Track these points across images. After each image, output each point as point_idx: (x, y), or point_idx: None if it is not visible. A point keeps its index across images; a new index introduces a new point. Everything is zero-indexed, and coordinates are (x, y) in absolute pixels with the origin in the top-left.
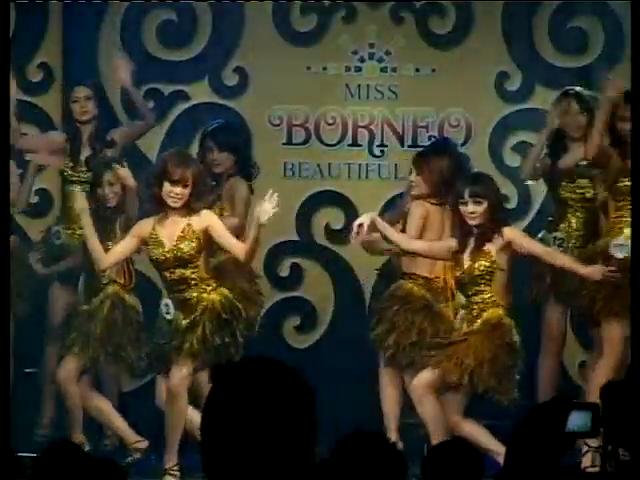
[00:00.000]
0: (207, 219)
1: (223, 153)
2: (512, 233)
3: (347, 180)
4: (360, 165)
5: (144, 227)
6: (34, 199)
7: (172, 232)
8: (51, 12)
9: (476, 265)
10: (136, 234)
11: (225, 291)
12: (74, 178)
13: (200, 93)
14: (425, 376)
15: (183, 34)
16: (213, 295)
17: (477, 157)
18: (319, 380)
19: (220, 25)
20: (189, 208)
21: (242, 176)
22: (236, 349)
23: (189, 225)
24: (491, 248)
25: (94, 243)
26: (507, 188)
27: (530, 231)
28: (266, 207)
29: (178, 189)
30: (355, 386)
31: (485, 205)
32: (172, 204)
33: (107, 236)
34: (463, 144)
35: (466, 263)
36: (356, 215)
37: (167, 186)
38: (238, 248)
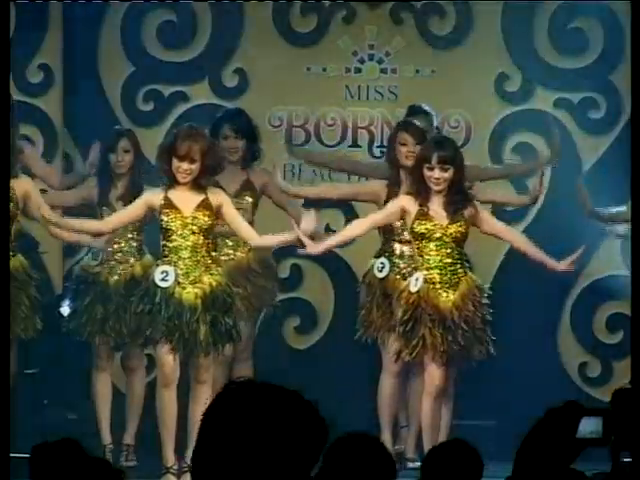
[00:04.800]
0: (222, 197)
1: (241, 140)
2: (480, 210)
3: (347, 181)
4: None
5: (153, 195)
6: None
7: (189, 201)
8: (51, 12)
9: (452, 229)
10: (144, 201)
11: (223, 278)
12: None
13: (200, 94)
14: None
15: (183, 34)
16: (216, 276)
17: (477, 157)
18: (318, 381)
19: (220, 25)
20: (198, 185)
21: (252, 162)
22: (237, 334)
23: (207, 198)
24: (466, 215)
25: (81, 223)
26: (507, 188)
27: (530, 231)
28: (310, 221)
29: (185, 165)
30: (355, 387)
31: (451, 172)
32: (181, 180)
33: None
34: (463, 145)
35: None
36: (356, 216)
37: (175, 162)
38: (249, 232)
